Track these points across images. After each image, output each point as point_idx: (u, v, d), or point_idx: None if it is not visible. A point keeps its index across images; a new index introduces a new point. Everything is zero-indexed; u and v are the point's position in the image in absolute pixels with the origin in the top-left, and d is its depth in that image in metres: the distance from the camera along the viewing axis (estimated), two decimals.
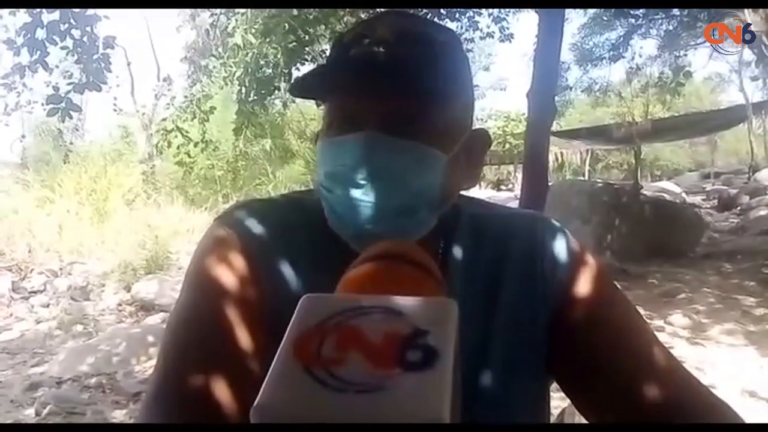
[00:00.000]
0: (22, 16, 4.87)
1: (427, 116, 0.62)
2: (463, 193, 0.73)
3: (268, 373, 0.30)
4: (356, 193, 0.61)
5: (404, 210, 0.62)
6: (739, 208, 13.50)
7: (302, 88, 0.67)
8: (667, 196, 12.74)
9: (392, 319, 0.31)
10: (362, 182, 0.60)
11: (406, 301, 0.33)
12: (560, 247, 0.72)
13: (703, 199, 16.53)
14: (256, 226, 0.68)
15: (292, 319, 0.32)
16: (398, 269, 0.40)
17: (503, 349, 0.68)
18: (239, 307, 0.63)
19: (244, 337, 0.62)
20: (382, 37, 0.62)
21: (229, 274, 0.65)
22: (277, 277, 0.66)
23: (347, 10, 7.59)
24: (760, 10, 8.25)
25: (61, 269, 6.98)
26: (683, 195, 15.68)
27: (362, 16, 7.56)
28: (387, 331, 0.31)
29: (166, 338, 0.64)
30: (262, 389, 0.29)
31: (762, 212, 11.55)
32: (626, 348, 0.66)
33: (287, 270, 0.67)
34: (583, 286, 0.70)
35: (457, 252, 0.71)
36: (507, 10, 9.26)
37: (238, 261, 0.66)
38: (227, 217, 0.71)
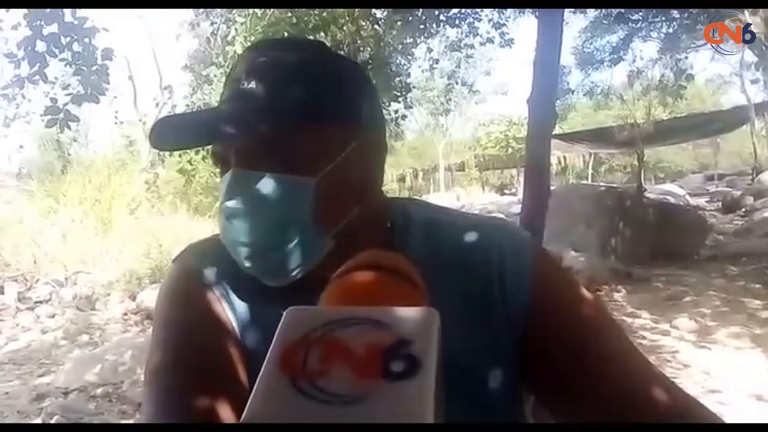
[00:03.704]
0: (23, 29, 4.92)
1: (285, 143, 0.61)
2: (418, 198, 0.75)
3: (255, 387, 0.30)
4: (232, 232, 0.62)
5: (278, 243, 0.62)
6: (743, 209, 13.44)
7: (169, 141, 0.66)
8: (670, 199, 12.70)
9: (376, 329, 0.32)
10: (234, 221, 0.62)
11: (389, 311, 0.33)
12: (522, 257, 0.69)
13: (707, 201, 16.47)
14: (206, 263, 0.71)
15: (277, 331, 0.33)
16: (382, 279, 0.40)
17: (465, 369, 0.62)
18: (207, 335, 0.66)
19: (216, 361, 0.64)
20: (237, 75, 0.64)
21: (192, 309, 0.68)
22: (233, 308, 0.69)
23: (347, 18, 7.62)
24: (760, 12, 8.24)
25: (66, 279, 6.99)
26: (687, 197, 15.62)
27: (362, 24, 7.59)
28: (371, 342, 0.31)
29: (147, 387, 0.65)
30: (248, 403, 0.29)
31: (766, 213, 11.49)
32: (597, 356, 0.64)
33: (237, 301, 0.69)
34: (548, 297, 0.67)
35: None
36: (507, 16, 9.28)
37: (199, 295, 0.69)
38: (182, 258, 0.75)
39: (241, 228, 0.61)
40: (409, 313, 0.34)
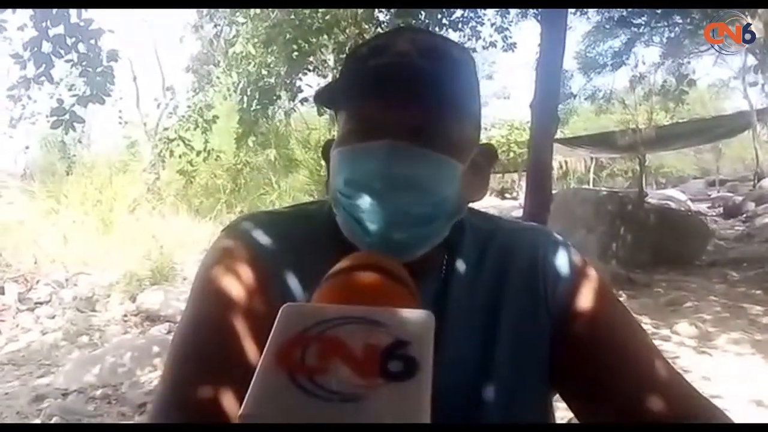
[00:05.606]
0: (29, 30, 4.94)
1: (447, 127, 0.63)
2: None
3: (252, 382, 0.30)
4: (378, 200, 0.60)
5: (424, 218, 0.62)
6: (744, 215, 13.44)
7: (327, 97, 0.69)
8: (672, 204, 12.70)
9: (372, 329, 0.32)
10: (385, 190, 0.60)
11: (387, 312, 0.33)
12: (561, 262, 0.73)
13: (709, 207, 16.47)
14: (262, 237, 0.69)
15: (274, 327, 0.32)
16: (380, 280, 0.40)
17: (505, 363, 0.68)
18: (247, 318, 0.64)
19: (251, 348, 0.62)
20: (403, 49, 0.63)
21: (236, 285, 0.66)
22: (285, 288, 0.67)
23: (350, 20, 7.64)
24: (763, 17, 8.26)
25: (66, 280, 6.99)
26: (688, 203, 15.62)
27: (365, 27, 7.61)
28: (368, 341, 0.31)
29: (172, 350, 0.65)
30: (246, 397, 0.29)
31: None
32: (627, 361, 0.66)
33: (294, 281, 0.67)
34: (584, 300, 0.70)
35: (461, 266, 0.72)
36: (509, 20, 9.29)
37: (246, 272, 0.67)
38: (234, 228, 0.72)
39: (397, 196, 0.60)
40: (406, 314, 0.34)
